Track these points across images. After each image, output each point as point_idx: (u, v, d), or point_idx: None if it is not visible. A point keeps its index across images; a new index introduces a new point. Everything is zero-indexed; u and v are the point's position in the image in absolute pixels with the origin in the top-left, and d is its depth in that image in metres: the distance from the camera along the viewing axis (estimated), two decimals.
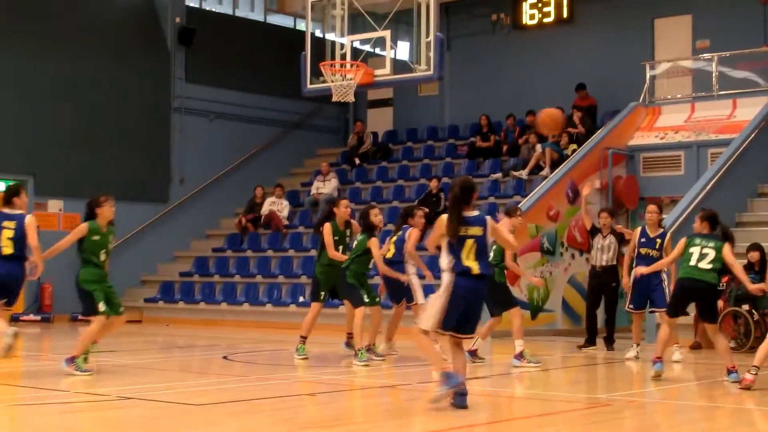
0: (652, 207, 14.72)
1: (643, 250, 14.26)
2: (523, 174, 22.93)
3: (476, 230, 9.33)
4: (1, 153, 22.57)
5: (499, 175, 23.66)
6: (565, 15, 25.54)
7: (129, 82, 24.86)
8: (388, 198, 24.81)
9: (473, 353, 13.55)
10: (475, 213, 9.42)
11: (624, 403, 10.60)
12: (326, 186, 25.24)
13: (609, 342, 16.42)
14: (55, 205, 23.09)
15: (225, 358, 15.05)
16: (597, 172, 21.35)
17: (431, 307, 9.41)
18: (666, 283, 14.05)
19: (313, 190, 25.42)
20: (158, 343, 18.08)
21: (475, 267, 9.27)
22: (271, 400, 10.51)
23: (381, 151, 27.12)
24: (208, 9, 27.52)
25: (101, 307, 11.99)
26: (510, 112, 25.22)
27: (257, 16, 28.59)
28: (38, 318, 22.26)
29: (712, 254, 11.65)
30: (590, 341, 16.45)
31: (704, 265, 11.68)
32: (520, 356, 13.30)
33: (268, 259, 23.80)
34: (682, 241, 11.93)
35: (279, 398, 10.64)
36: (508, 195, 22.49)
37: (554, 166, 21.93)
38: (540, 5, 25.90)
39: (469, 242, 9.29)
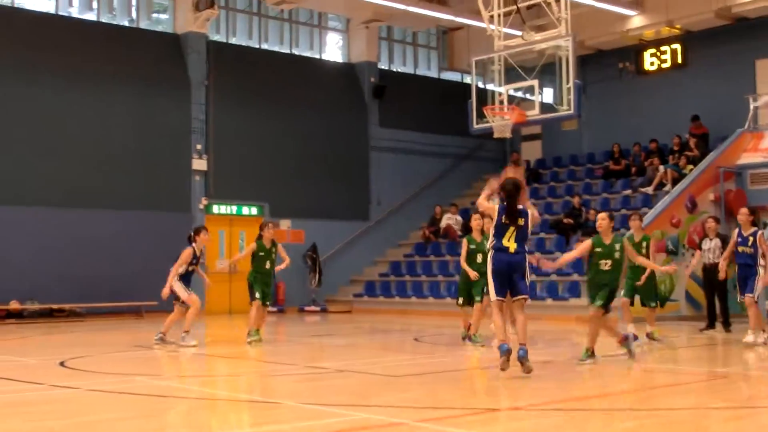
0: (743, 210, 13.65)
1: (739, 248, 13.37)
2: (649, 190, 22.26)
3: (521, 220, 9.32)
4: (246, 185, 23.32)
5: (629, 191, 23.02)
6: (680, 61, 24.67)
7: (337, 127, 25.27)
8: (540, 212, 24.32)
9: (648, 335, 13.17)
10: (521, 207, 9.36)
11: (739, 376, 10.08)
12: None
13: (726, 325, 15.66)
14: (284, 224, 23.58)
15: (416, 339, 14.99)
16: (711, 187, 20.58)
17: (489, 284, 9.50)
18: (760, 275, 13.19)
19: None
20: (364, 328, 18.17)
21: (512, 246, 9.25)
22: (451, 372, 10.36)
23: (533, 175, 26.72)
24: (395, 70, 27.69)
25: (256, 294, 13.30)
26: (636, 140, 24.48)
27: (433, 73, 28.61)
28: (275, 309, 22.74)
29: None
30: (710, 325, 15.78)
31: None
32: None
33: (447, 263, 23.67)
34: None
35: (457, 371, 10.48)
36: (637, 207, 21.80)
37: (675, 183, 21.26)
38: (659, 54, 25.07)
39: (511, 229, 9.26)
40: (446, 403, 8.11)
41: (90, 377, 9.79)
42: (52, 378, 9.57)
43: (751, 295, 13.08)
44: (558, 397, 8.47)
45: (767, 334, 13.15)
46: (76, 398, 8.35)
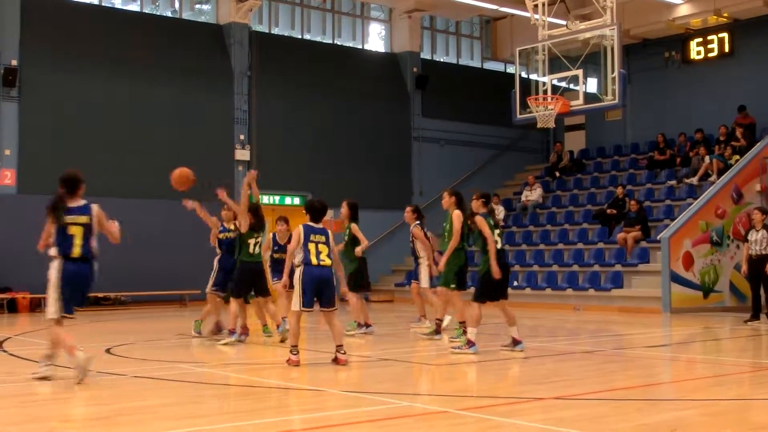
0: None
1: None
2: (694, 181, 22.00)
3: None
4: (289, 175, 23.43)
5: (673, 182, 22.76)
6: (727, 50, 24.42)
7: (380, 117, 25.31)
8: (583, 203, 24.27)
9: None
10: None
11: None
12: (532, 194, 24.87)
13: None
14: (327, 214, 23.63)
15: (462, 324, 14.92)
16: (756, 177, 20.35)
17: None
18: None
19: (523, 198, 25.15)
20: (405, 317, 18.18)
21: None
22: (493, 362, 10.37)
23: (576, 165, 26.57)
24: (438, 60, 27.65)
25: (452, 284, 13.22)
26: (682, 130, 24.22)
27: (476, 63, 28.52)
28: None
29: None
30: (755, 316, 15.62)
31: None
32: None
33: None
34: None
35: (499, 360, 10.49)
36: (682, 198, 21.64)
37: (720, 173, 21.01)
38: (705, 43, 24.85)
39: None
40: (489, 392, 8.14)
41: (135, 364, 9.98)
42: (98, 365, 9.74)
43: None
44: (601, 387, 8.48)
45: None
46: (122, 384, 8.52)
